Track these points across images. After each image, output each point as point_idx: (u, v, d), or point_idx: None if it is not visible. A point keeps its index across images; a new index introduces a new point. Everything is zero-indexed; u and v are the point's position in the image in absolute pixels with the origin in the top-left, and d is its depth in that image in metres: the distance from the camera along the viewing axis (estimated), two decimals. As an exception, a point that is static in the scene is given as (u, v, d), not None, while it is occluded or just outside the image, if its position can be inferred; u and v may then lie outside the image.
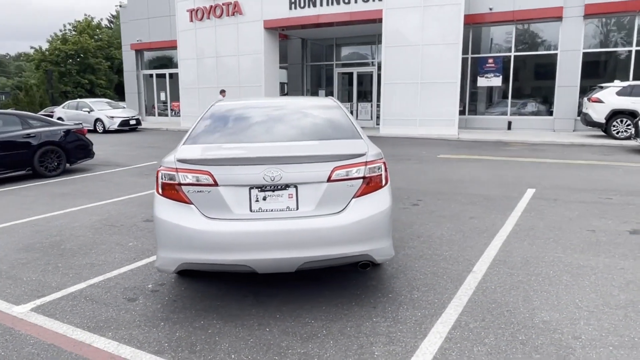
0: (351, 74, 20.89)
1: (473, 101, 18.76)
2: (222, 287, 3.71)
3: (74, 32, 38.69)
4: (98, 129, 19.66)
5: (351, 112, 20.76)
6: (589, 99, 14.06)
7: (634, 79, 15.13)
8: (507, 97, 17.85)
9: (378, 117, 18.30)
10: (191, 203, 3.08)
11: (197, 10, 19.48)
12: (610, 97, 13.55)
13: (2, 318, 3.31)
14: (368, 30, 18.31)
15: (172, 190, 3.11)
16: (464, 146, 13.43)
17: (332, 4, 16.81)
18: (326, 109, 4.09)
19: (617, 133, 13.54)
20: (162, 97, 24.99)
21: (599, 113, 13.69)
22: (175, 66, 21.59)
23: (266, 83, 18.54)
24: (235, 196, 3.07)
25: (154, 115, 25.30)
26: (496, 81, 17.81)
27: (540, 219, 5.50)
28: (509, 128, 17.39)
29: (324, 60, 21.77)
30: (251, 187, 3.07)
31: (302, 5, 17.32)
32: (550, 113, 16.95)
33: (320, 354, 2.73)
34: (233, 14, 18.63)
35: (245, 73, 18.99)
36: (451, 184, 7.77)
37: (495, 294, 3.47)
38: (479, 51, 18.03)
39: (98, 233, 5.35)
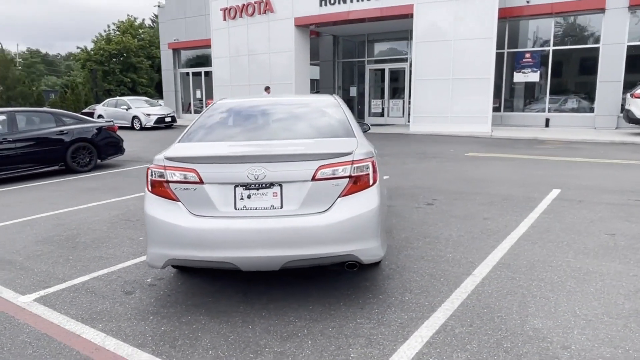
0: (383, 70, 20.67)
1: (509, 97, 18.15)
2: (216, 284, 3.76)
3: (117, 32, 40.17)
4: (135, 126, 20.34)
5: (382, 110, 20.57)
6: (632, 95, 13.31)
7: (683, 73, 14.22)
8: (545, 93, 17.17)
9: (410, 115, 18.01)
10: (178, 200, 3.13)
11: (230, 9, 19.78)
12: (655, 92, 12.81)
13: (6, 307, 3.48)
14: (400, 26, 18.01)
15: (160, 188, 3.17)
16: (495, 144, 13.02)
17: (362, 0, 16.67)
18: (324, 107, 4.06)
19: (662, 131, 12.77)
20: (198, 94, 25.55)
21: (642, 110, 12.97)
22: (211, 64, 22.03)
23: (297, 80, 18.62)
24: (220, 194, 3.09)
25: (190, 113, 25.90)
26: (533, 76, 17.16)
27: (558, 221, 5.26)
28: (547, 125, 16.72)
29: (355, 57, 21.63)
30: (236, 185, 3.09)
31: (332, 1, 17.27)
32: (591, 110, 16.17)
33: (295, 353, 2.72)
34: (264, 12, 18.80)
35: (277, 70, 19.13)
36: (473, 183, 7.56)
37: (490, 299, 3.34)
38: (516, 45, 17.41)
39: (113, 227, 5.53)
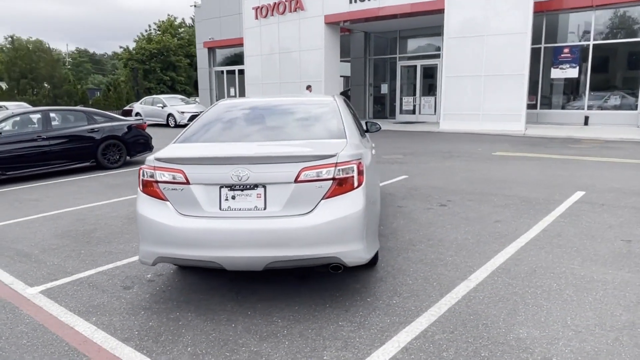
0: (415, 67, 20.37)
1: (546, 94, 17.50)
2: (212, 282, 3.84)
3: (158, 32, 41.39)
4: (170, 124, 20.95)
5: (414, 107, 20.27)
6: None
7: None
8: (585, 90, 16.45)
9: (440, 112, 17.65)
10: (167, 200, 3.22)
11: (262, 7, 20.00)
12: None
13: (13, 298, 3.68)
14: (433, 21, 17.70)
15: (150, 187, 3.27)
16: (527, 143, 12.60)
17: (392, -5, 16.49)
18: (320, 108, 4.07)
19: None
20: (232, 92, 26.00)
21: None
22: (244, 63, 22.37)
23: (326, 78, 18.64)
24: (206, 194, 3.16)
25: (224, 110, 26.37)
26: (572, 72, 16.47)
27: (573, 226, 5.05)
28: (586, 123, 16.04)
29: (387, 54, 21.42)
30: (221, 186, 3.15)
31: (362, -2, 17.16)
32: (636, 107, 15.38)
33: (270, 354, 2.75)
34: (295, 10, 18.90)
35: (307, 68, 19.21)
36: (492, 184, 7.36)
37: (480, 305, 3.26)
38: (554, 40, 16.77)
39: (128, 223, 5.74)
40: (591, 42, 15.86)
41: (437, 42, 19.64)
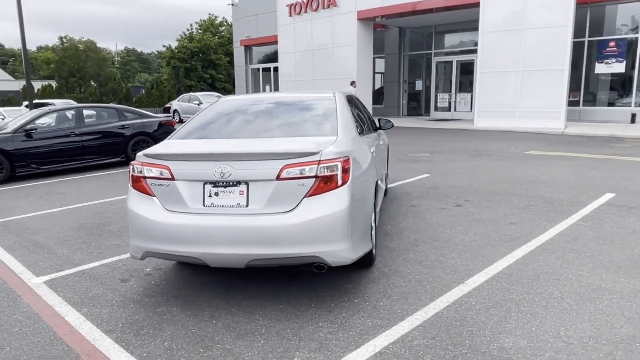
0: (451, 62, 19.86)
1: (590, 90, 16.65)
2: (205, 277, 3.87)
3: (199, 31, 42.36)
4: (205, 120, 21.39)
5: (449, 104, 19.79)
6: None
7: None
8: (632, 86, 15.52)
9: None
10: (154, 195, 3.26)
11: (296, 4, 20.05)
12: None
13: (18, 287, 3.84)
14: (470, 15, 17.18)
15: (139, 183, 3.32)
16: (564, 142, 12.02)
17: (426, -10, 16.12)
18: (317, 106, 4.01)
19: None
20: (267, 89, 26.25)
21: None
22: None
23: (359, 74, 18.48)
24: (190, 190, 3.17)
25: (260, 107, 26.68)
26: (618, 67, 15.60)
27: (593, 230, 4.75)
28: (633, 121, 15.14)
29: (422, 49, 20.99)
30: (205, 183, 3.15)
31: (395, -7, 16.88)
32: (688, 103, 14.38)
33: (242, 352, 2.73)
34: (328, 7, 18.82)
35: (339, 65, 19.11)
36: (518, 184, 7.06)
37: (470, 311, 3.11)
38: (599, 33, 15.92)
39: (142, 217, 5.87)
40: (639, 35, 14.94)
41: (474, 37, 19.00)
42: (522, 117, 14.91)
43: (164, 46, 45.35)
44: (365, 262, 3.78)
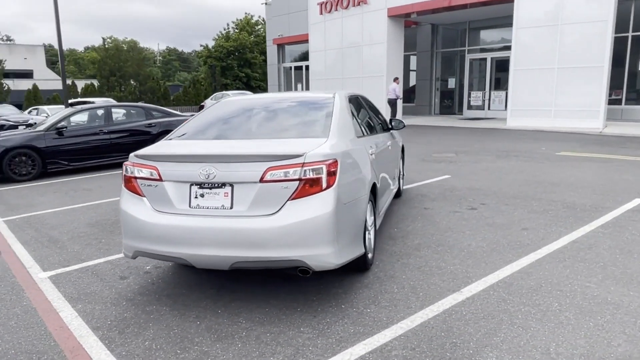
0: (485, 59, 19.30)
1: (635, 89, 15.79)
2: (199, 276, 3.90)
3: (236, 30, 42.98)
4: (237, 118, 21.68)
5: (483, 102, 19.24)
6: None
7: None
8: (680, 83, 14.59)
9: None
10: (144, 196, 3.30)
11: (326, 2, 19.99)
12: None
13: (24, 281, 3.99)
14: (506, 11, 16.63)
15: (130, 183, 3.37)
16: (600, 142, 11.45)
17: (458, -15, 15.71)
18: (315, 106, 3.95)
19: None
20: (299, 88, 26.34)
21: None
22: (310, 58, 22.55)
23: (388, 72, 18.23)
24: (177, 191, 3.19)
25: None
26: (665, 63, 14.68)
27: (611, 238, 4.49)
28: (680, 121, 14.23)
29: (455, 46, 20.49)
30: (192, 184, 3.16)
31: (426, -11, 16.54)
32: None
33: (218, 355, 2.72)
34: (358, 4, 18.67)
35: (369, 63, 18.93)
36: (540, 187, 6.77)
37: (458, 322, 2.98)
38: (644, 28, 15.04)
39: (155, 215, 5.99)
40: (689, 29, 14.01)
41: (510, 33, 18.40)
42: (557, 116, 14.30)
43: (201, 46, 46.26)
44: (360, 266, 3.71)
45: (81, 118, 10.00)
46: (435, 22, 20.01)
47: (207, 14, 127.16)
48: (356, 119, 4.18)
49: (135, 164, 3.33)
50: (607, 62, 13.28)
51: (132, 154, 3.41)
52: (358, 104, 4.72)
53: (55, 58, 75.06)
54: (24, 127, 13.09)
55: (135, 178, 3.33)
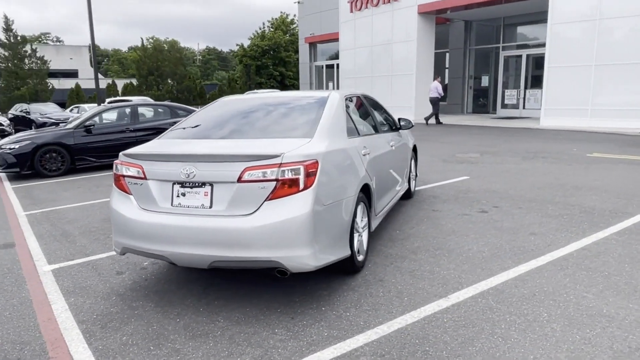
0: (520, 56, 18.65)
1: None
2: (191, 274, 3.95)
3: (271, 29, 43.40)
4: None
5: (518, 101, 18.62)
6: None
7: None
8: None
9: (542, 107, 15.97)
10: (131, 194, 3.37)
11: (357, 0, 19.84)
12: None
13: (29, 273, 4.16)
14: (542, 6, 16.00)
15: (119, 182, 3.45)
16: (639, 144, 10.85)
17: (491, -20, 15.24)
18: (308, 105, 3.92)
19: None
20: (330, 86, 26.31)
21: None
22: (340, 57, 22.48)
23: (418, 71, 17.93)
24: (160, 190, 3.24)
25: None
26: None
27: (624, 246, 4.23)
28: None
29: (490, 43, 19.90)
30: (174, 183, 3.20)
31: (458, -15, 16.14)
32: None
33: (188, 353, 2.74)
34: (388, 1, 18.44)
35: (398, 61, 18.67)
36: (561, 190, 6.48)
37: (436, 329, 2.89)
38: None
39: (166, 211, 6.13)
40: None
41: (546, 29, 17.71)
42: (595, 115, 13.65)
43: (237, 45, 46.98)
44: (347, 268, 3.65)
45: (109, 116, 10.35)
46: (469, 18, 19.50)
47: (246, 13, 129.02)
48: (351, 119, 4.12)
49: (123, 163, 3.41)
50: (650, 59, 12.56)
51: (121, 153, 3.49)
52: (358, 103, 4.65)
53: (101, 58, 78.20)
54: (65, 124, 13.66)
55: (123, 176, 3.40)
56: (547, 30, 14.39)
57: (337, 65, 25.19)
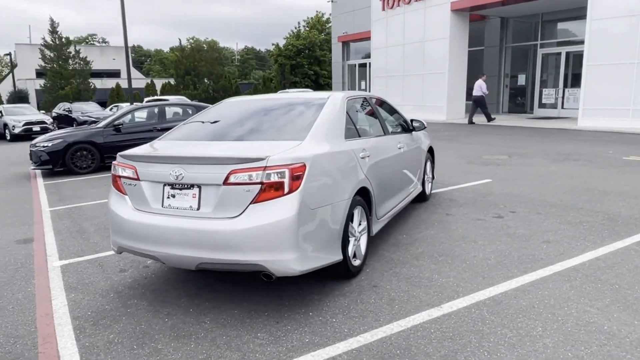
0: (559, 54, 17.90)
1: None
2: (189, 274, 3.99)
3: (306, 28, 43.52)
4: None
5: (556, 100, 17.89)
6: None
7: None
8: None
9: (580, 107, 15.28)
10: (126, 194, 3.44)
11: (389, -2, 19.61)
12: None
13: (39, 268, 4.32)
14: (583, 1, 15.30)
15: (116, 182, 3.52)
16: (682, 146, 10.20)
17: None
18: (306, 107, 3.88)
19: None
20: (362, 85, 26.13)
21: None
22: (373, 55, 22.25)
23: (450, 70, 17.52)
24: (152, 191, 3.28)
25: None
26: None
27: (644, 257, 3.97)
28: None
29: (528, 40, 19.19)
30: (165, 184, 3.24)
31: (492, -19, 15.64)
32: None
33: (168, 354, 2.76)
34: (421, -1, 18.10)
35: (430, 60, 18.30)
36: (587, 195, 6.17)
37: (421, 340, 2.79)
38: None
39: (180, 210, 6.24)
40: None
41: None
42: (636, 116, 12.93)
43: (272, 45, 47.39)
44: (340, 273, 3.59)
45: (138, 116, 10.65)
46: (505, 15, 18.88)
47: (284, 12, 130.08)
48: (352, 121, 4.05)
49: (119, 164, 3.48)
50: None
51: (118, 154, 3.56)
52: (363, 105, 4.58)
53: (143, 58, 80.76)
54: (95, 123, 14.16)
55: (120, 177, 3.47)
56: (586, 28, 13.73)
57: (370, 64, 24.98)
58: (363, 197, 3.84)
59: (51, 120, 20.20)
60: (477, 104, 16.17)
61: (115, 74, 47.05)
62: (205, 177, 3.07)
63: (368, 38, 24.13)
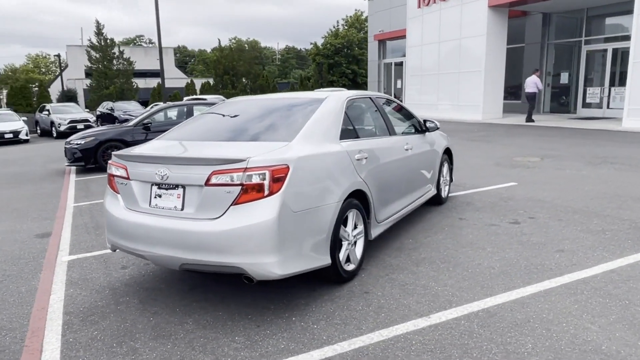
0: (605, 51, 16.96)
1: None
2: (184, 274, 4.01)
3: (345, 27, 43.38)
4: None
5: (601, 99, 16.97)
6: None
7: None
8: None
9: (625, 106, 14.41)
10: (118, 193, 3.49)
11: (425, -5, 19.20)
12: None
13: (48, 262, 4.47)
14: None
15: (111, 181, 3.58)
16: None
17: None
18: (300, 108, 3.82)
19: None
20: (399, 84, 25.75)
21: None
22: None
23: (487, 68, 16.94)
24: (141, 190, 3.31)
25: (390, 102, 26.32)
26: None
27: (666, 270, 3.66)
28: None
29: (572, 36, 18.29)
30: (152, 184, 3.26)
31: (532, -25, 14.99)
32: None
33: (144, 354, 2.77)
34: (457, -5, 17.59)
35: (466, 58, 17.78)
36: (616, 202, 5.79)
37: (400, 352, 2.66)
38: None
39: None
40: None
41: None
42: (688, 116, 12.04)
43: (310, 44, 47.54)
44: (330, 278, 3.51)
45: (166, 115, 10.90)
46: (548, 10, 18.06)
47: (325, 11, 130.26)
48: (350, 121, 3.95)
49: (113, 163, 3.53)
50: None
51: (113, 153, 3.62)
52: (365, 105, 4.46)
53: (187, 58, 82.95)
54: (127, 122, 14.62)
55: (113, 176, 3.53)
56: (633, 23, 12.89)
57: (405, 62, 24.57)
58: (360, 200, 3.74)
59: (94, 118, 21.06)
60: (531, 101, 15.63)
61: (158, 74, 48.53)
62: (188, 178, 3.07)
63: (404, 36, 23.72)
